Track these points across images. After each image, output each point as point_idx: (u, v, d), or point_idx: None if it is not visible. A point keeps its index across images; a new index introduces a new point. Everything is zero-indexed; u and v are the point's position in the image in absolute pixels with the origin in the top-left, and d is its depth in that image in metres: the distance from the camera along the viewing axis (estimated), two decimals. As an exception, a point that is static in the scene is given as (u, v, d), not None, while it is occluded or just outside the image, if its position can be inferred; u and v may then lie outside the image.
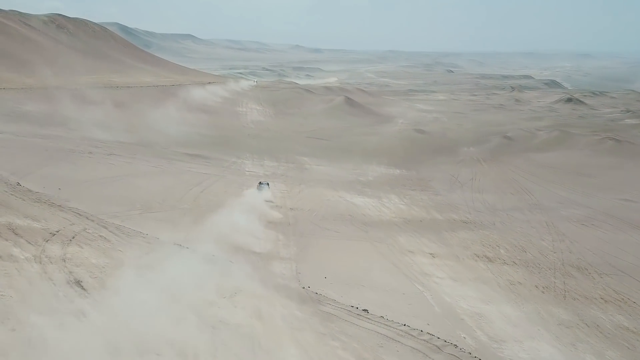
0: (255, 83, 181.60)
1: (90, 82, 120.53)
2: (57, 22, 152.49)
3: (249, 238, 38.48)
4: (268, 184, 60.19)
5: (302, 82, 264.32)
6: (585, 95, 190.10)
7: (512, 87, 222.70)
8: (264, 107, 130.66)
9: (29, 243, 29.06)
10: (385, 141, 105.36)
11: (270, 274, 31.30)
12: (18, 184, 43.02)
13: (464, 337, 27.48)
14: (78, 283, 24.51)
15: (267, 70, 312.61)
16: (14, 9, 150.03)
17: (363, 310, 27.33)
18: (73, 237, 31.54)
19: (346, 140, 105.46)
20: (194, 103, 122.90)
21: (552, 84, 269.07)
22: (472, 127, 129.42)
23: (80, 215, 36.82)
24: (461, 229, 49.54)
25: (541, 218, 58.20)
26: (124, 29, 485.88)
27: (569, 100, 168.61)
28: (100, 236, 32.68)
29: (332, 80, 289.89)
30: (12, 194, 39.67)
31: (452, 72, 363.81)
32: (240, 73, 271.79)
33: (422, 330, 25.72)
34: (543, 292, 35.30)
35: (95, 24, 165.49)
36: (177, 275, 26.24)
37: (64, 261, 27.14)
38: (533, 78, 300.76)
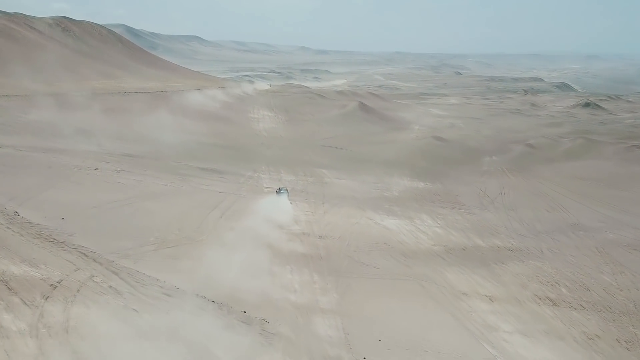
0: (269, 87, 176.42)
1: (97, 88, 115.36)
2: (63, 25, 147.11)
3: (281, 280, 33.08)
4: (287, 189, 61.42)
5: (311, 84, 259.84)
6: (601, 99, 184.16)
7: (525, 91, 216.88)
8: (276, 113, 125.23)
9: (25, 303, 23.69)
10: (404, 150, 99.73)
11: (315, 339, 25.79)
12: (16, 213, 37.63)
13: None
14: (84, 371, 19.12)
15: (274, 72, 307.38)
16: (19, 12, 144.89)
17: (438, 395, 22.00)
18: (78, 291, 26.15)
19: (364, 149, 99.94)
20: (204, 110, 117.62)
21: (564, 86, 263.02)
22: (491, 133, 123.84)
23: (86, 256, 31.44)
24: (510, 260, 44.00)
25: (589, 242, 52.65)
26: (130, 30, 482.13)
27: (587, 104, 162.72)
28: (110, 287, 27.27)
29: (340, 82, 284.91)
30: (8, 228, 34.34)
31: (461, 74, 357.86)
32: (248, 76, 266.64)
33: None
34: (628, 349, 29.84)
35: (101, 26, 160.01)
36: (208, 351, 20.78)
37: (67, 332, 21.76)
38: (543, 80, 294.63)
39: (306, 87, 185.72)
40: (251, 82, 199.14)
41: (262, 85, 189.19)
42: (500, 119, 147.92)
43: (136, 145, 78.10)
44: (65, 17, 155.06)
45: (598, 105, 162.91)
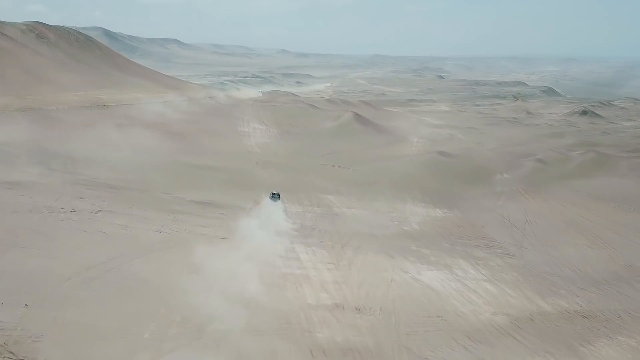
0: (261, 94, 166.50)
1: (75, 101, 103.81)
2: (37, 30, 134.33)
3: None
4: (279, 194, 64.52)
5: (294, 89, 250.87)
6: (593, 106, 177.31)
7: (514, 97, 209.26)
8: (267, 126, 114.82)
9: None
10: (410, 168, 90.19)
11: None
12: (-39, 302, 27.07)
13: None
14: None
15: (256, 77, 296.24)
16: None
17: None
18: None
19: (366, 168, 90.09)
20: (191, 124, 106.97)
21: (549, 91, 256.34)
22: (494, 146, 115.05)
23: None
24: (594, 337, 34.61)
25: (664, 297, 43.71)
26: (108, 33, 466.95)
27: (584, 112, 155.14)
28: None
29: (324, 86, 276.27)
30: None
31: (443, 78, 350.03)
32: (231, 81, 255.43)
33: None
34: None
35: (79, 32, 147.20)
36: None
37: None
38: (527, 85, 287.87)
39: (294, 94, 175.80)
40: (237, 89, 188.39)
41: (249, 92, 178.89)
42: (498, 129, 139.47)
43: (118, 172, 67.32)
44: (39, 22, 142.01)
45: (595, 113, 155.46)
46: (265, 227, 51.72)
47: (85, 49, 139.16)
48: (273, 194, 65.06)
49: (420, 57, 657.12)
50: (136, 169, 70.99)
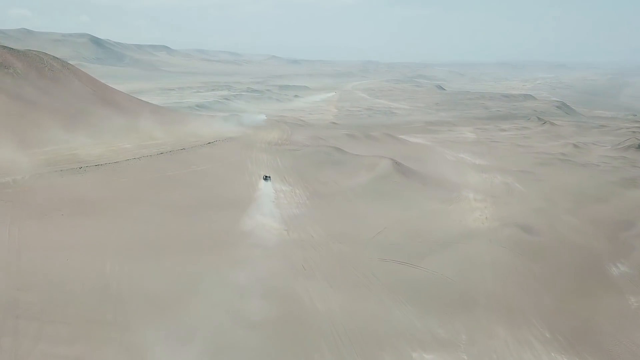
0: (265, 119, 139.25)
1: (41, 162, 74.19)
2: (1, 58, 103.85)
3: None
4: (270, 177, 76.65)
5: (293, 104, 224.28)
6: (634, 132, 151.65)
7: (538, 118, 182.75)
8: (292, 185, 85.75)
9: None
10: (496, 260, 63.16)
11: None
12: None
13: None
14: None
15: (252, 90, 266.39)
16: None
17: None
18: None
19: (439, 263, 62.15)
20: (198, 189, 77.89)
21: (563, 107, 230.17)
22: (570, 206, 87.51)
23: None
24: None
25: None
26: (95, 40, 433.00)
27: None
28: None
29: (325, 98, 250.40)
30: None
31: (444, 89, 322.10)
32: (226, 98, 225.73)
33: None
34: None
35: (54, 58, 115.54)
36: None
37: None
38: (536, 99, 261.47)
39: (305, 122, 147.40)
40: (236, 115, 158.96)
41: (252, 115, 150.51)
42: (555, 172, 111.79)
43: (95, 311, 38.70)
44: (5, 47, 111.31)
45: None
46: None
47: (61, 80, 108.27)
48: (265, 176, 74.10)
49: (411, 63, 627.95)
50: (123, 305, 42.48)
